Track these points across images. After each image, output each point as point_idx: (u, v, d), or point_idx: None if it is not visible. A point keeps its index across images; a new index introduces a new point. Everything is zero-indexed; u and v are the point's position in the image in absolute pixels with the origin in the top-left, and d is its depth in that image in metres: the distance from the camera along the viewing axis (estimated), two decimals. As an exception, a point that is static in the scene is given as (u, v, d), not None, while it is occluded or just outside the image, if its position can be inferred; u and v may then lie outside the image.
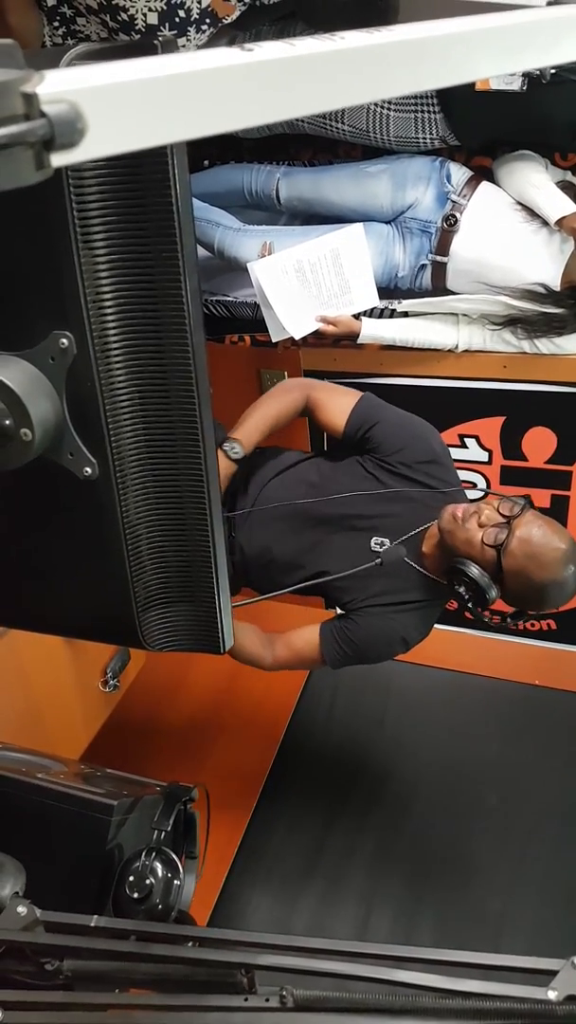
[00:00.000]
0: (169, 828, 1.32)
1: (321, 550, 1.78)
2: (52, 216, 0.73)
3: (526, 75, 2.02)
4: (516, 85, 1.99)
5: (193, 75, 0.40)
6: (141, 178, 0.74)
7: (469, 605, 1.65)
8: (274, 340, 2.40)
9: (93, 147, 0.37)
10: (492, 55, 0.53)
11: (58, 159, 0.37)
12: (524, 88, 2.01)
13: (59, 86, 0.36)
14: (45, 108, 0.35)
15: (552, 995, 0.68)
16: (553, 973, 0.70)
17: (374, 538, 1.73)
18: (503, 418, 2.59)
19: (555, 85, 2.06)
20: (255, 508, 1.84)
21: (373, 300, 2.37)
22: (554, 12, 0.60)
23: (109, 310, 0.79)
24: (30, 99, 0.35)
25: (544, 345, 2.33)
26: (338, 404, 1.82)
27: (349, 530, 1.77)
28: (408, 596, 1.77)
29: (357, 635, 1.76)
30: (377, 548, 1.72)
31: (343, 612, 1.83)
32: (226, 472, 1.72)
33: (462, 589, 1.63)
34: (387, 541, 1.73)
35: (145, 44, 0.69)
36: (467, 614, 1.73)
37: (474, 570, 1.60)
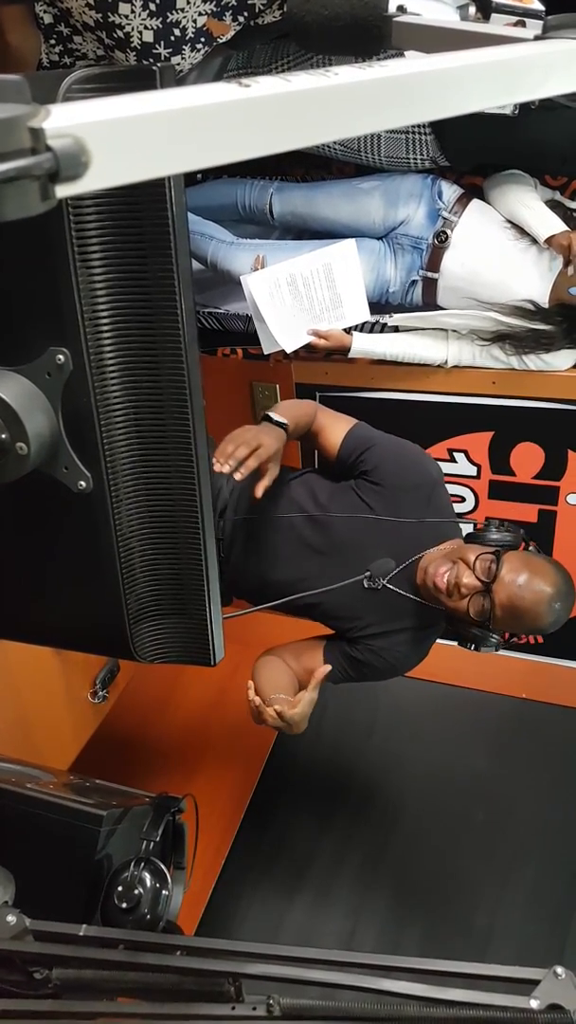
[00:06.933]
0: (158, 839, 1.33)
1: (315, 581, 1.76)
2: (51, 236, 0.75)
3: (517, 100, 2.04)
4: (508, 109, 2.01)
5: (192, 111, 0.42)
6: (138, 200, 0.76)
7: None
8: (266, 352, 2.41)
9: (96, 179, 0.39)
10: (483, 91, 0.54)
11: (62, 191, 0.38)
12: (515, 112, 2.03)
13: (64, 121, 0.37)
14: (51, 142, 0.37)
15: (534, 1004, 0.70)
16: (536, 983, 0.72)
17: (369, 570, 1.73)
18: (492, 433, 2.61)
19: (545, 111, 2.09)
20: (249, 531, 1.83)
21: (364, 315, 2.38)
22: (542, 47, 0.62)
23: (105, 327, 0.80)
24: (37, 134, 0.37)
25: (532, 362, 2.36)
26: (335, 426, 1.82)
27: (344, 561, 1.75)
28: (405, 623, 1.76)
29: (360, 667, 1.78)
30: (371, 584, 1.72)
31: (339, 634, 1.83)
32: (280, 442, 1.63)
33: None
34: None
35: (143, 70, 0.71)
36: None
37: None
